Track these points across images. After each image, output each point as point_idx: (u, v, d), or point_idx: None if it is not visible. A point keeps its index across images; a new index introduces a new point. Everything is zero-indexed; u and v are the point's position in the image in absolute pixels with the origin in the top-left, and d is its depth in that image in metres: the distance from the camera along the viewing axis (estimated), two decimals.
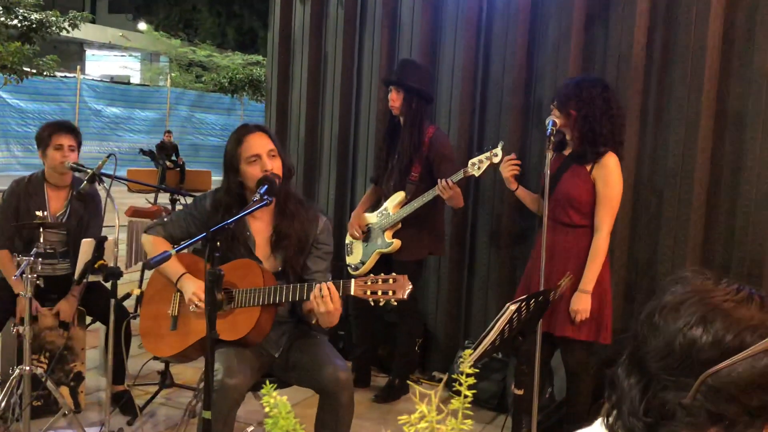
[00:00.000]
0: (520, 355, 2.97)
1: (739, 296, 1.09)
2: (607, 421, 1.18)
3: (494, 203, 4.70)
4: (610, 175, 3.43)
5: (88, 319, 4.20)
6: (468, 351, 1.61)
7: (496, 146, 3.82)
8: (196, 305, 2.99)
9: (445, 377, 4.73)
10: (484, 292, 4.78)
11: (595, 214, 3.46)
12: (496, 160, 3.78)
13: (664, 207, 4.07)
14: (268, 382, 1.21)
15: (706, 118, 3.94)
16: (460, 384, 1.17)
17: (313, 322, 3.02)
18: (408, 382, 4.58)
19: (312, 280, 3.02)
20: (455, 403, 1.15)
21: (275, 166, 3.02)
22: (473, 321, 4.86)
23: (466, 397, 1.16)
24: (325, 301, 2.74)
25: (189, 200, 3.69)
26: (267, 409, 1.09)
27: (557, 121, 3.43)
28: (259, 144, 3.04)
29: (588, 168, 3.47)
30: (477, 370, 1.26)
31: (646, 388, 1.09)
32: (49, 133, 3.98)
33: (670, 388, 1.06)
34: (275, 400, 1.09)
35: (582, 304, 3.41)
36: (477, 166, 3.88)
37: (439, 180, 4.03)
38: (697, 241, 4.00)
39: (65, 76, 20.77)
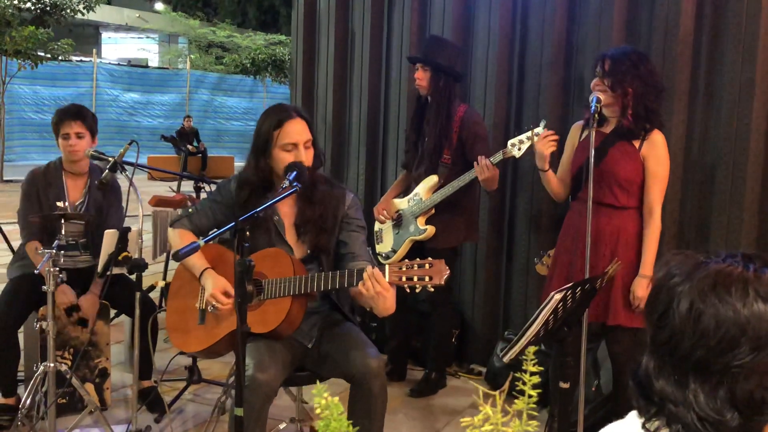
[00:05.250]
0: (565, 346, 2.82)
1: (759, 264, 1.03)
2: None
3: (534, 186, 4.49)
4: (661, 152, 3.29)
5: (112, 313, 4.06)
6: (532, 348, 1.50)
7: (537, 125, 3.60)
8: (214, 306, 2.87)
9: (484, 370, 4.58)
10: (523, 279, 4.58)
11: (645, 193, 3.30)
12: (544, 132, 3.55)
13: (716, 185, 3.86)
14: (318, 382, 1.13)
15: (760, 92, 3.70)
16: (524, 383, 1.13)
17: (367, 309, 2.87)
18: (446, 375, 4.41)
19: (349, 254, 2.93)
20: (519, 404, 1.11)
21: (309, 156, 2.93)
22: (513, 310, 4.66)
23: (530, 397, 1.12)
24: (367, 287, 2.60)
25: (213, 188, 3.55)
26: (318, 411, 1.07)
27: (601, 97, 3.24)
28: (298, 132, 2.92)
29: (636, 145, 3.29)
30: (541, 368, 1.17)
31: (716, 388, 0.99)
32: (56, 122, 3.86)
33: (748, 377, 0.98)
34: (327, 401, 1.07)
35: (644, 291, 3.22)
36: (517, 146, 3.66)
37: (478, 159, 3.82)
38: (752, 220, 3.78)
39: (81, 61, 20.69)
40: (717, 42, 3.83)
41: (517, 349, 2.56)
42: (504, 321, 4.72)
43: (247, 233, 2.37)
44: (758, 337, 0.97)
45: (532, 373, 1.04)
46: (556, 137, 3.48)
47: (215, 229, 2.94)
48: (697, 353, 1.00)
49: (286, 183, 2.70)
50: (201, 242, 2.38)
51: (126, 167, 3.69)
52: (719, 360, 0.98)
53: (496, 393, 1.06)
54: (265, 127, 2.95)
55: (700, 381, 1.00)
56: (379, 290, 2.60)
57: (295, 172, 2.75)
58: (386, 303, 2.68)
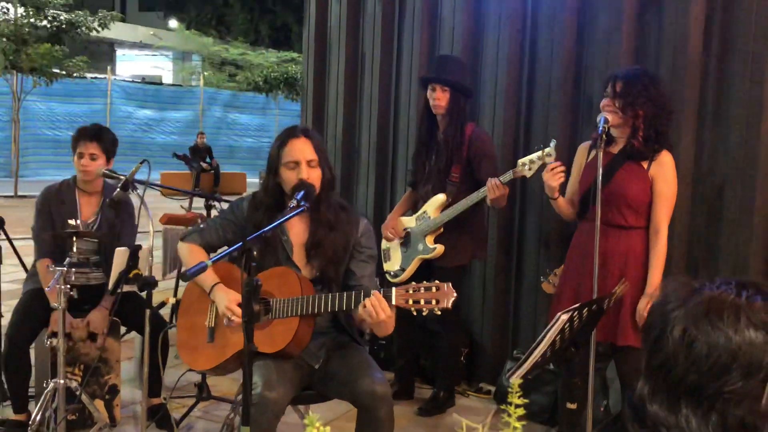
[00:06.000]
0: (572, 367, 2.82)
1: (752, 291, 1.04)
2: None
3: (543, 204, 4.49)
4: (669, 172, 3.29)
5: (123, 330, 4.08)
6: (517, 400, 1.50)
7: (548, 145, 3.61)
8: (230, 319, 2.88)
9: (493, 389, 4.57)
10: (533, 298, 4.57)
11: (653, 213, 3.30)
12: (549, 160, 3.57)
13: (724, 205, 3.85)
14: (311, 412, 1.14)
15: None
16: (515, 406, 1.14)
17: (368, 331, 2.89)
18: (454, 394, 4.41)
19: (358, 285, 2.92)
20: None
21: (313, 176, 2.92)
22: (522, 329, 4.65)
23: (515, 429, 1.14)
24: (370, 312, 2.62)
25: (224, 206, 3.58)
26: None
27: (610, 118, 3.25)
28: (300, 150, 2.94)
29: (645, 166, 3.30)
30: (526, 401, 1.18)
31: (707, 413, 1.01)
32: (74, 140, 3.91)
33: (739, 402, 0.99)
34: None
35: None
36: (528, 166, 3.68)
37: (489, 180, 3.84)
38: (761, 239, 3.77)
39: (96, 77, 20.86)
40: (725, 62, 3.84)
41: (523, 369, 2.56)
42: (513, 339, 4.70)
43: (255, 253, 2.38)
44: (749, 363, 0.98)
45: (517, 406, 1.04)
46: (563, 168, 3.49)
47: (224, 247, 2.96)
48: (690, 378, 1.01)
49: (294, 202, 2.72)
50: (209, 262, 2.40)
51: (138, 185, 3.73)
52: (711, 385, 0.99)
53: (479, 426, 1.06)
54: (274, 146, 3.00)
55: (692, 406, 1.01)
56: (382, 317, 2.62)
57: (302, 192, 2.77)
58: (387, 327, 2.72)
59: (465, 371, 4.76)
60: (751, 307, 1.01)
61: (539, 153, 3.62)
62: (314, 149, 2.96)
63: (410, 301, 2.61)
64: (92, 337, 3.86)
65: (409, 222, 4.33)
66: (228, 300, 2.91)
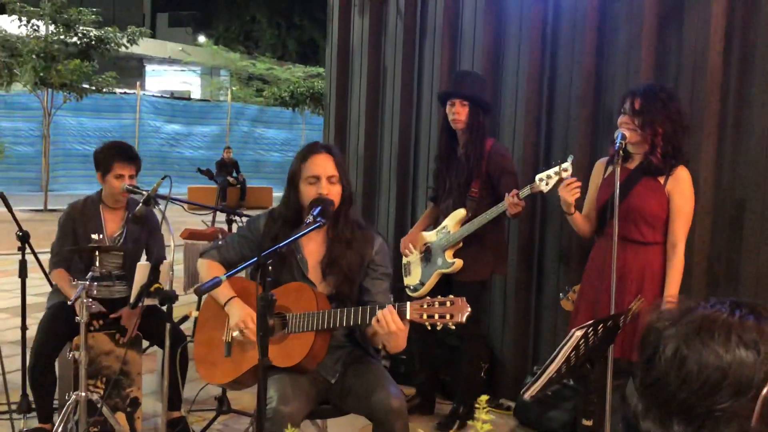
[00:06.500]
0: (589, 383, 2.81)
1: (745, 311, 1.04)
2: None
3: (563, 218, 4.44)
4: (686, 187, 3.30)
5: (145, 344, 4.13)
6: (484, 397, 1.51)
7: (565, 160, 3.61)
8: (241, 332, 2.90)
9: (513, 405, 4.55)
10: (553, 313, 4.55)
11: (670, 229, 3.31)
12: (566, 175, 3.57)
13: (745, 221, 3.81)
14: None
15: None
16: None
17: (380, 346, 2.90)
18: (474, 409, 4.38)
19: (372, 302, 2.92)
20: None
21: (333, 192, 2.94)
22: (542, 344, 4.63)
23: None
24: (381, 323, 2.65)
25: (245, 220, 3.62)
26: None
27: (627, 134, 3.25)
28: (322, 166, 2.96)
29: (661, 181, 3.29)
30: (492, 417, 1.13)
31: (699, 430, 1.01)
32: (111, 160, 3.92)
33: (729, 421, 0.99)
34: None
35: None
36: (545, 181, 3.68)
37: (507, 195, 3.84)
38: None
39: (125, 93, 21.12)
40: (745, 77, 3.81)
41: (537, 385, 2.55)
42: (534, 355, 4.68)
43: (270, 268, 2.41)
44: (739, 382, 0.98)
45: (485, 422, 1.06)
46: (579, 183, 3.49)
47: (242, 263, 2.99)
48: (681, 396, 1.01)
49: (310, 218, 2.74)
50: (223, 278, 2.43)
51: (160, 201, 3.78)
52: (702, 404, 1.00)
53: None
54: (295, 162, 3.04)
55: (684, 424, 1.02)
56: (393, 330, 2.64)
57: (319, 207, 2.79)
58: (398, 341, 2.72)
59: (485, 386, 4.74)
60: (743, 326, 1.01)
61: (556, 168, 3.62)
62: (335, 165, 2.98)
63: (424, 316, 2.61)
64: (121, 330, 3.86)
65: (430, 237, 4.34)
66: (241, 314, 2.93)
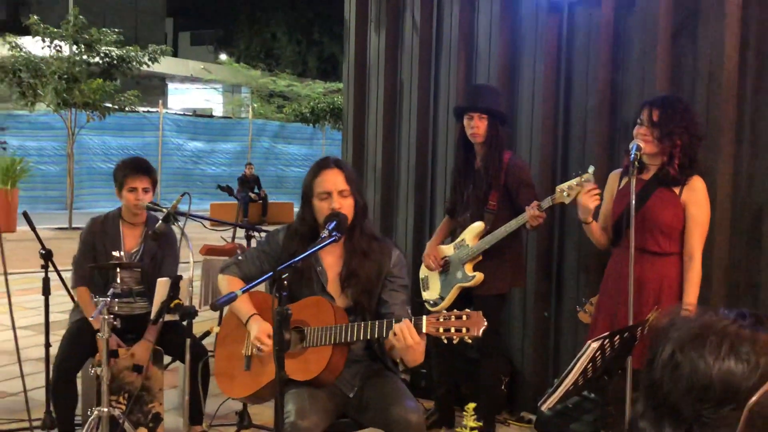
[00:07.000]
0: (607, 395, 2.80)
1: (748, 321, 1.06)
2: None
3: (582, 230, 4.44)
4: (701, 197, 3.30)
5: (167, 359, 4.16)
6: (471, 405, 1.51)
7: (586, 171, 3.60)
8: (259, 349, 2.93)
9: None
10: (573, 326, 4.53)
11: (686, 239, 3.30)
12: (587, 186, 3.56)
13: (763, 231, 3.79)
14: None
15: None
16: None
17: (398, 360, 2.92)
18: (495, 422, 4.37)
19: (390, 313, 2.93)
20: None
21: (345, 205, 2.97)
22: (562, 356, 4.60)
23: None
24: (398, 336, 2.66)
25: (264, 235, 3.65)
26: None
27: (642, 145, 3.25)
28: (332, 182, 2.99)
29: (677, 191, 3.29)
30: (479, 423, 1.15)
31: None
32: (123, 174, 3.99)
33: (717, 427, 1.01)
34: None
35: None
36: (566, 192, 3.67)
37: (528, 207, 3.84)
38: None
39: (148, 111, 21.32)
40: (761, 88, 3.81)
41: (555, 397, 2.55)
42: (554, 367, 4.66)
43: (285, 282, 2.43)
44: (725, 390, 1.00)
45: (472, 429, 1.07)
46: (599, 191, 3.49)
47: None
48: (671, 399, 1.04)
49: (326, 233, 2.77)
50: (239, 293, 2.46)
51: (179, 218, 3.83)
52: (690, 409, 1.01)
53: None
54: (307, 178, 3.07)
55: (674, 426, 1.04)
56: (410, 343, 2.64)
57: (334, 222, 2.82)
58: (415, 355, 2.72)
59: (506, 399, 4.73)
60: (738, 335, 1.02)
61: (577, 179, 3.61)
62: (345, 179, 3.00)
63: (440, 329, 2.62)
64: (137, 369, 3.93)
65: (448, 250, 4.34)
66: (259, 329, 2.96)
